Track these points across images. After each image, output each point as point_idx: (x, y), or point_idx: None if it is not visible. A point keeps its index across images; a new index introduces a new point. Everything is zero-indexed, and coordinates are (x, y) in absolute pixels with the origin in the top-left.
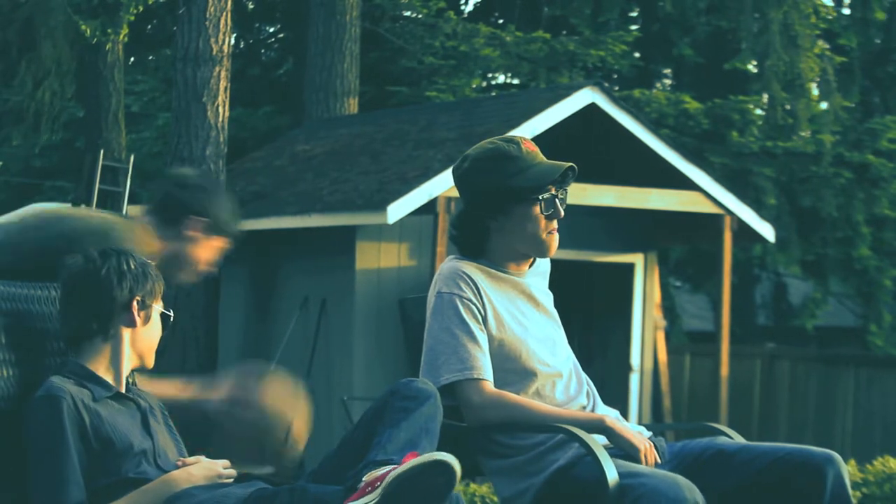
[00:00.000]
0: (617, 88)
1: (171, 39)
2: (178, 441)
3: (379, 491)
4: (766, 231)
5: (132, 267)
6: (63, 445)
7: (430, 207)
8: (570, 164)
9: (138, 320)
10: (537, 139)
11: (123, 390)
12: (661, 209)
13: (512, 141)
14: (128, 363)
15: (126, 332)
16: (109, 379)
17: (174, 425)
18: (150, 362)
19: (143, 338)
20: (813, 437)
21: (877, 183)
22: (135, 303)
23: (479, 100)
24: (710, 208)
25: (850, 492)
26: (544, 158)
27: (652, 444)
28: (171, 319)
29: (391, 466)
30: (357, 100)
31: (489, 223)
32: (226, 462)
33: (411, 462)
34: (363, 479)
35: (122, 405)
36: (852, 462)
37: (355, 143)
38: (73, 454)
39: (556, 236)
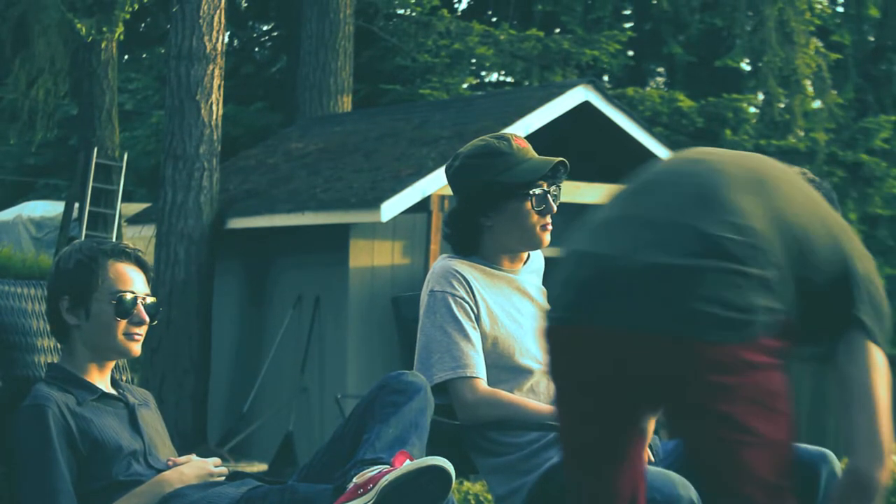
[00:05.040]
0: (610, 86)
1: (164, 37)
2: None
3: (373, 494)
4: None
5: (59, 266)
6: (51, 455)
7: (423, 205)
8: (561, 158)
9: (73, 318)
10: (531, 137)
11: (110, 388)
12: None
13: (503, 138)
14: (91, 365)
15: (75, 331)
16: (93, 378)
17: None
18: (122, 354)
19: (90, 335)
20: (806, 435)
21: (870, 182)
22: (63, 302)
23: (473, 98)
24: None
25: None
26: (535, 155)
27: None
28: (137, 301)
29: (382, 468)
30: (351, 98)
31: (482, 220)
32: (217, 460)
33: (406, 467)
34: (353, 479)
35: (109, 406)
36: (846, 460)
37: (349, 140)
38: (61, 463)
39: (549, 231)
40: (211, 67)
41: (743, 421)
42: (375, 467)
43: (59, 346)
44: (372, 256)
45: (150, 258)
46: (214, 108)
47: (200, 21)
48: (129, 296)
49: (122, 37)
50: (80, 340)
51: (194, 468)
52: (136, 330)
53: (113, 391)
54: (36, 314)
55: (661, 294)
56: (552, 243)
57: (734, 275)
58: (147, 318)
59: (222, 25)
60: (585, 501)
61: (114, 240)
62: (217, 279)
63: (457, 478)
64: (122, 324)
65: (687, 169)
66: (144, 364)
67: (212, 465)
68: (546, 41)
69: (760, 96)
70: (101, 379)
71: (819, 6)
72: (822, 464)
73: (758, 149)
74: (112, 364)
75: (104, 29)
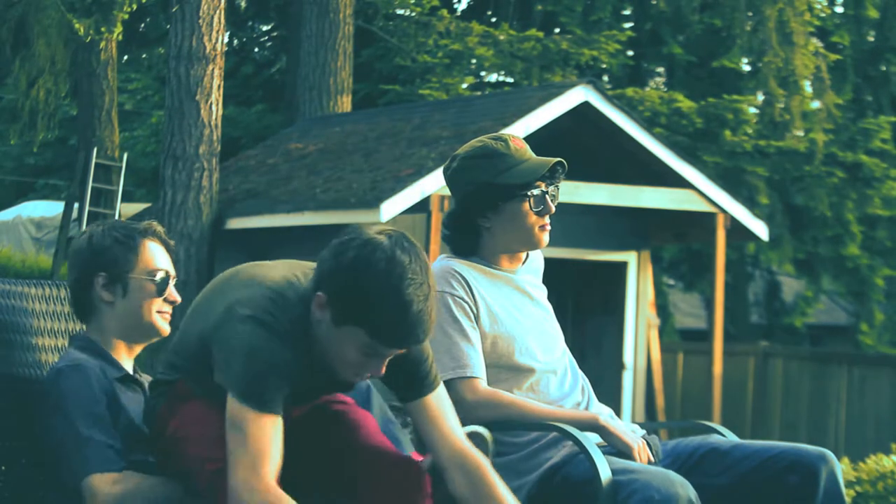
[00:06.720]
0: (609, 87)
1: (164, 37)
2: None
3: None
4: (760, 229)
5: (92, 242)
6: (100, 412)
7: (423, 205)
8: (559, 159)
9: (108, 297)
10: (530, 137)
11: (131, 372)
12: (654, 207)
13: (500, 139)
14: (119, 342)
15: (105, 311)
16: (119, 359)
17: None
18: (154, 333)
19: (124, 312)
20: (806, 436)
21: (869, 183)
22: (99, 278)
23: (473, 98)
24: (703, 206)
25: (844, 490)
26: (533, 155)
27: (645, 442)
28: (169, 280)
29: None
30: (350, 98)
31: (480, 221)
32: None
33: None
34: None
35: (130, 389)
36: (845, 460)
37: (349, 141)
38: (109, 421)
39: (547, 231)
40: (211, 67)
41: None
42: None
43: (78, 330)
44: None
45: None
46: (214, 108)
47: (200, 21)
48: (163, 274)
49: (121, 37)
50: (111, 319)
51: None
52: (167, 308)
53: (135, 376)
54: (37, 313)
55: None
56: (551, 243)
57: None
58: (178, 298)
59: (222, 25)
60: None
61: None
62: None
63: None
64: (158, 301)
65: None
66: (144, 364)
67: None
68: (545, 41)
69: (760, 97)
70: (127, 361)
71: (818, 7)
72: (821, 464)
73: (757, 149)
74: (138, 349)
75: (103, 29)
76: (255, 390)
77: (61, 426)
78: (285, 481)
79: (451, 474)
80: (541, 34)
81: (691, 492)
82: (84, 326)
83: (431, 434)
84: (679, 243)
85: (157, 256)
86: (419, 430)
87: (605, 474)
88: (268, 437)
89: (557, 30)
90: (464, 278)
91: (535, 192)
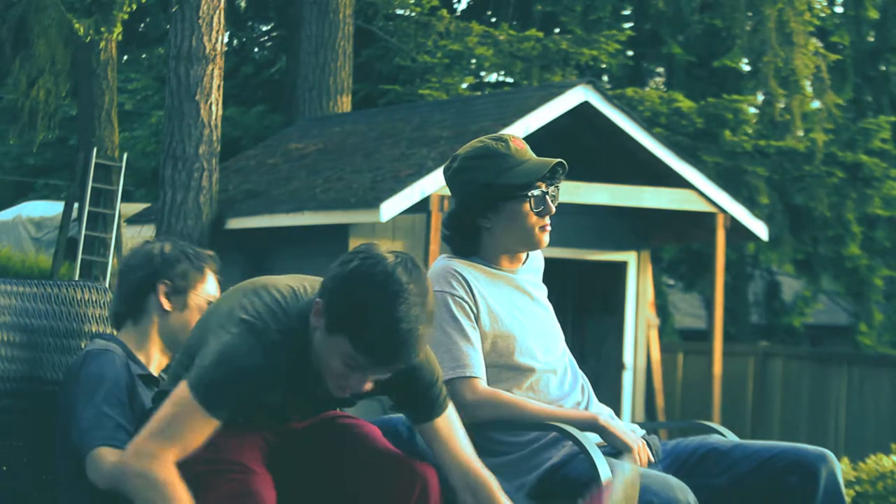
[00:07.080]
0: (609, 87)
1: (164, 37)
2: None
3: None
4: (759, 229)
5: (165, 251)
6: (120, 395)
7: (423, 206)
8: (559, 160)
9: (167, 305)
10: (530, 137)
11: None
12: (654, 207)
13: (500, 139)
14: (157, 349)
15: (156, 317)
16: (147, 362)
17: None
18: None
19: (175, 324)
20: (806, 436)
21: (869, 182)
22: (163, 285)
23: (473, 98)
24: (703, 206)
25: (844, 490)
26: (533, 156)
27: (645, 442)
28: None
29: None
30: (350, 98)
31: (481, 222)
32: None
33: None
34: None
35: (150, 389)
36: (845, 460)
37: (348, 141)
38: (127, 406)
39: (547, 231)
40: (210, 68)
41: None
42: None
43: (95, 331)
44: None
45: None
46: (214, 108)
47: (200, 21)
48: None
49: (120, 37)
50: (160, 326)
51: None
52: None
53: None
54: (39, 313)
55: None
56: (551, 243)
57: None
58: None
59: (222, 26)
60: None
61: (114, 240)
62: None
63: None
64: None
65: None
66: None
67: None
68: (545, 41)
69: (760, 97)
70: (154, 367)
71: (818, 6)
72: (821, 464)
73: (757, 149)
74: (164, 363)
75: (102, 29)
76: (211, 393)
77: (83, 399)
78: (290, 488)
79: (461, 495)
80: (540, 34)
81: (690, 497)
82: (99, 328)
83: (443, 455)
84: (679, 243)
85: (214, 285)
86: (432, 451)
87: (605, 474)
88: (195, 431)
89: (557, 30)
90: (464, 278)
91: (536, 192)
